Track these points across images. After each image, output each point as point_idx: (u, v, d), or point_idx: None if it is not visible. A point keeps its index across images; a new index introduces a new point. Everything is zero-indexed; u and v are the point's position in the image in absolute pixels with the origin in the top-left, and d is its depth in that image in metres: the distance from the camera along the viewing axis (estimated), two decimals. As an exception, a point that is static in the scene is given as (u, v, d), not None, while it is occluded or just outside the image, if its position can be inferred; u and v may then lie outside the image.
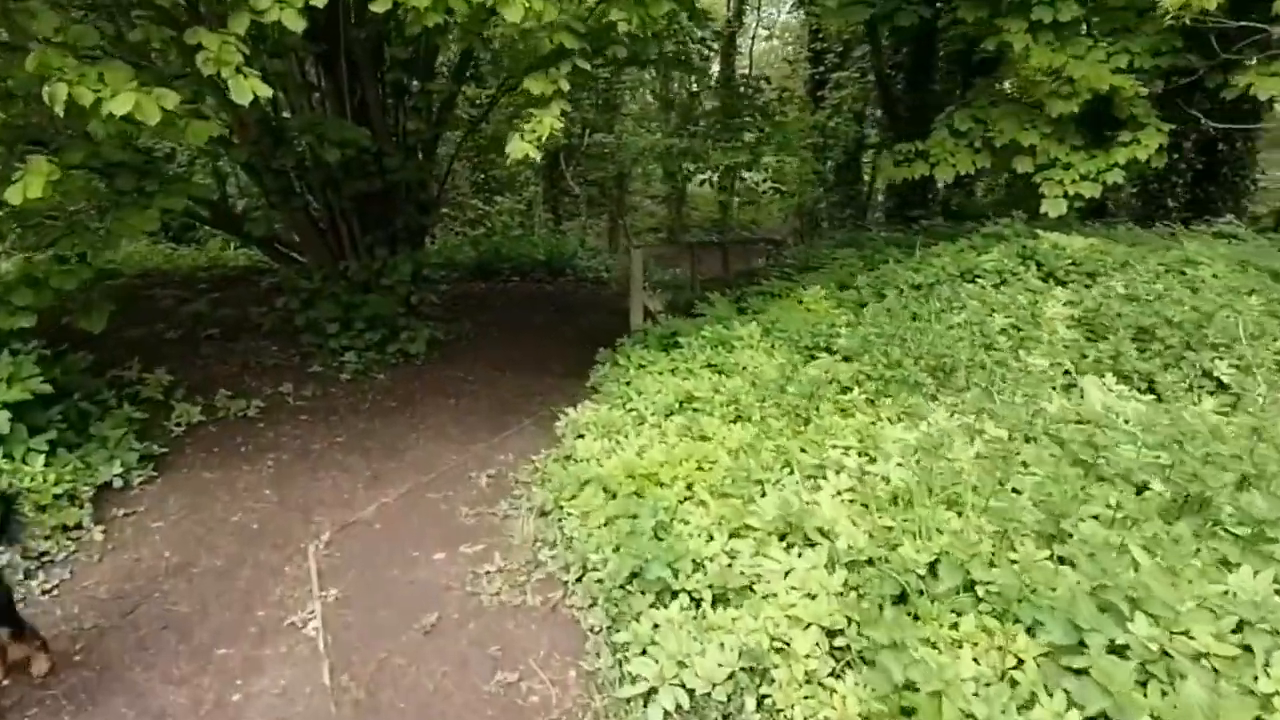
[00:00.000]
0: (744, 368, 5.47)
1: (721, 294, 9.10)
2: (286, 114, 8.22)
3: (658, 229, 27.77)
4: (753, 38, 28.01)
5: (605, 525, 3.58)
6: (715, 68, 28.47)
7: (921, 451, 3.65)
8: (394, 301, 7.79)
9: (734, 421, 4.50)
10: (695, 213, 30.94)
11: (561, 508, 4.03)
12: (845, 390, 4.80)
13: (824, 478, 3.50)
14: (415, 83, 7.53)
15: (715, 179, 8.92)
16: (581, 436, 4.87)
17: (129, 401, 5.67)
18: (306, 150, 7.32)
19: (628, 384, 5.66)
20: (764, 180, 8.53)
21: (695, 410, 4.81)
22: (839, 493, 3.36)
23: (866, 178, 22.01)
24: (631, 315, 7.87)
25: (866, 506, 3.21)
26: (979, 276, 6.62)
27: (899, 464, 3.56)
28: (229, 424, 5.90)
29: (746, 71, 28.16)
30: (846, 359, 5.42)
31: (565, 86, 4.21)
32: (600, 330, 9.93)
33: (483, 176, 19.06)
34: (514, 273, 13.42)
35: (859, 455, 3.74)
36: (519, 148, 4.26)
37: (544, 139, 4.27)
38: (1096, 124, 6.92)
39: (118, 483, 4.74)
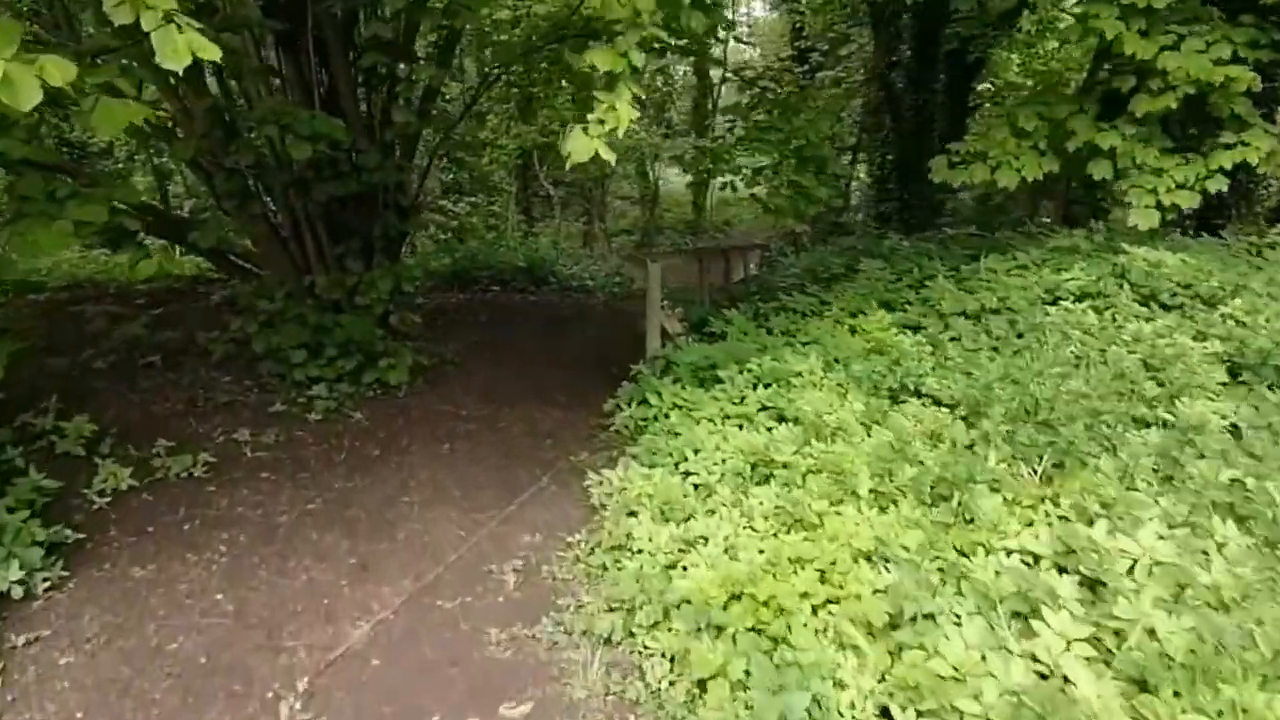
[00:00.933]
0: (818, 416, 4.42)
1: (734, 308, 8.08)
2: (242, 103, 6.94)
3: (630, 230, 26.67)
4: (727, 37, 27.07)
5: (719, 684, 2.49)
6: (683, 69, 27.52)
7: (1167, 572, 2.58)
8: (370, 323, 6.56)
9: (841, 502, 3.43)
10: (668, 214, 29.97)
11: (636, 637, 2.92)
12: (969, 449, 3.78)
13: (1036, 613, 2.45)
14: (402, 66, 6.30)
15: (738, 182, 7.83)
16: (634, 514, 3.77)
17: (38, 462, 4.40)
18: (267, 145, 6.06)
19: (674, 435, 4.56)
20: (783, 184, 7.47)
21: (780, 479, 3.74)
22: (1069, 643, 2.32)
23: (855, 180, 21.23)
24: (648, 338, 6.77)
25: (1143, 686, 2.16)
26: (1061, 298, 5.68)
27: (1158, 603, 2.45)
28: (169, 488, 4.64)
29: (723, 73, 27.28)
30: (945, 405, 4.41)
31: (638, 61, 3.09)
32: (600, 350, 8.82)
33: (452, 176, 17.72)
34: (493, 281, 12.21)
35: (1059, 570, 2.71)
36: (582, 147, 3.13)
37: (620, 133, 3.15)
38: (1182, 124, 6.04)
39: (16, 591, 3.47)
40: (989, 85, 20.64)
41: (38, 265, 10.16)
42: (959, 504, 3.23)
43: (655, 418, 5.21)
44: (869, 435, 4.09)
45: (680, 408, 5.17)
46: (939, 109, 13.25)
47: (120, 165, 14.37)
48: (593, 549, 3.74)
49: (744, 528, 3.38)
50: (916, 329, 5.96)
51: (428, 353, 7.53)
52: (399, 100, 6.75)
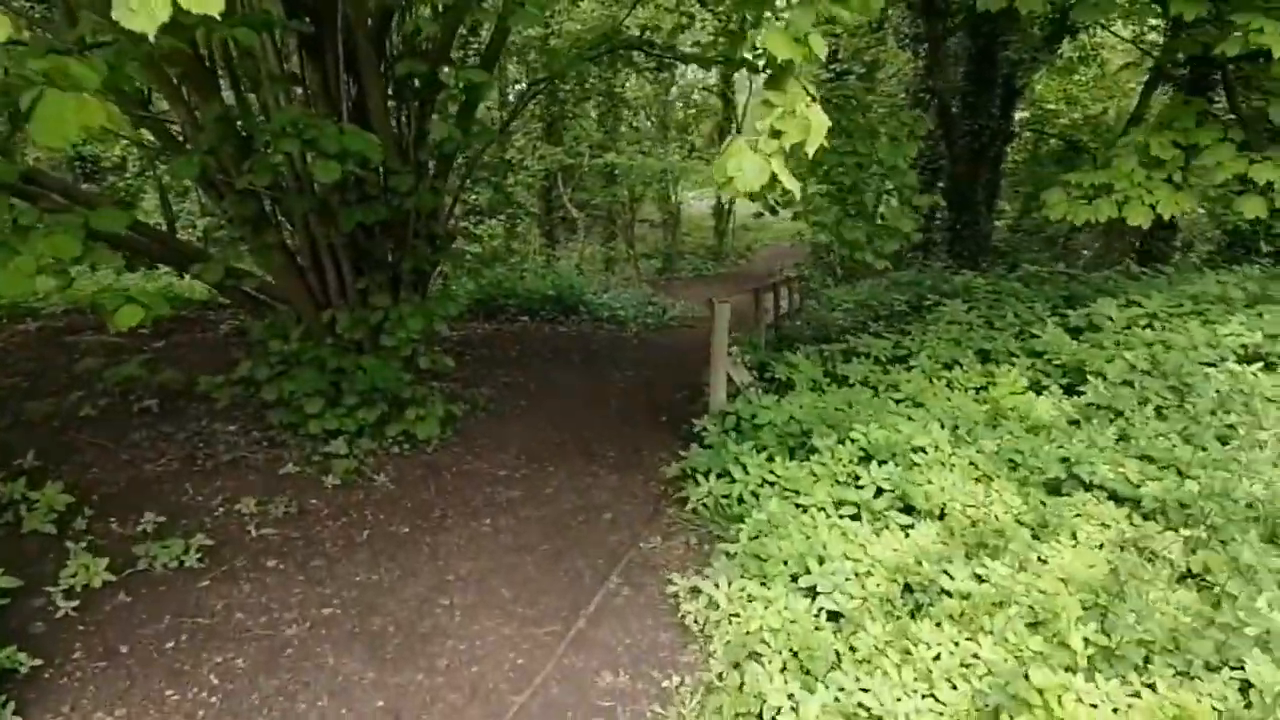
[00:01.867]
0: (964, 512, 3.48)
1: (794, 351, 7.18)
2: (261, 118, 6.10)
3: (651, 255, 25.84)
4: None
5: None
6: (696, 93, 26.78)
7: None
8: (397, 366, 5.67)
9: (1068, 670, 2.47)
10: (687, 238, 29.15)
11: None
12: (1212, 588, 2.82)
13: None
14: (446, 71, 5.42)
15: (779, 208, 6.84)
16: (756, 658, 2.82)
17: (1, 542, 3.50)
18: (286, 164, 5.20)
19: (780, 531, 3.61)
20: (863, 215, 6.54)
21: (951, 615, 2.79)
22: None
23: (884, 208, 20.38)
24: (712, 389, 5.84)
25: None
26: (1224, 358, 4.74)
27: None
28: (153, 585, 3.72)
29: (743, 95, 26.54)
30: (1130, 503, 3.46)
31: (821, 49, 2.19)
32: (645, 392, 7.90)
33: (476, 198, 16.92)
34: (520, 310, 11.34)
35: None
36: (752, 169, 2.19)
37: (811, 150, 2.23)
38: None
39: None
40: (1027, 113, 19.81)
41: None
42: (1241, 683, 2.28)
43: (742, 498, 4.28)
44: (1045, 544, 3.14)
45: (773, 485, 4.25)
46: (994, 134, 12.37)
47: (130, 181, 13.61)
48: (707, 714, 2.77)
49: (923, 695, 2.44)
50: (1040, 390, 5.02)
51: (459, 398, 6.63)
52: (436, 113, 5.89)
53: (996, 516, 3.40)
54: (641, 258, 25.64)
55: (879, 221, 6.25)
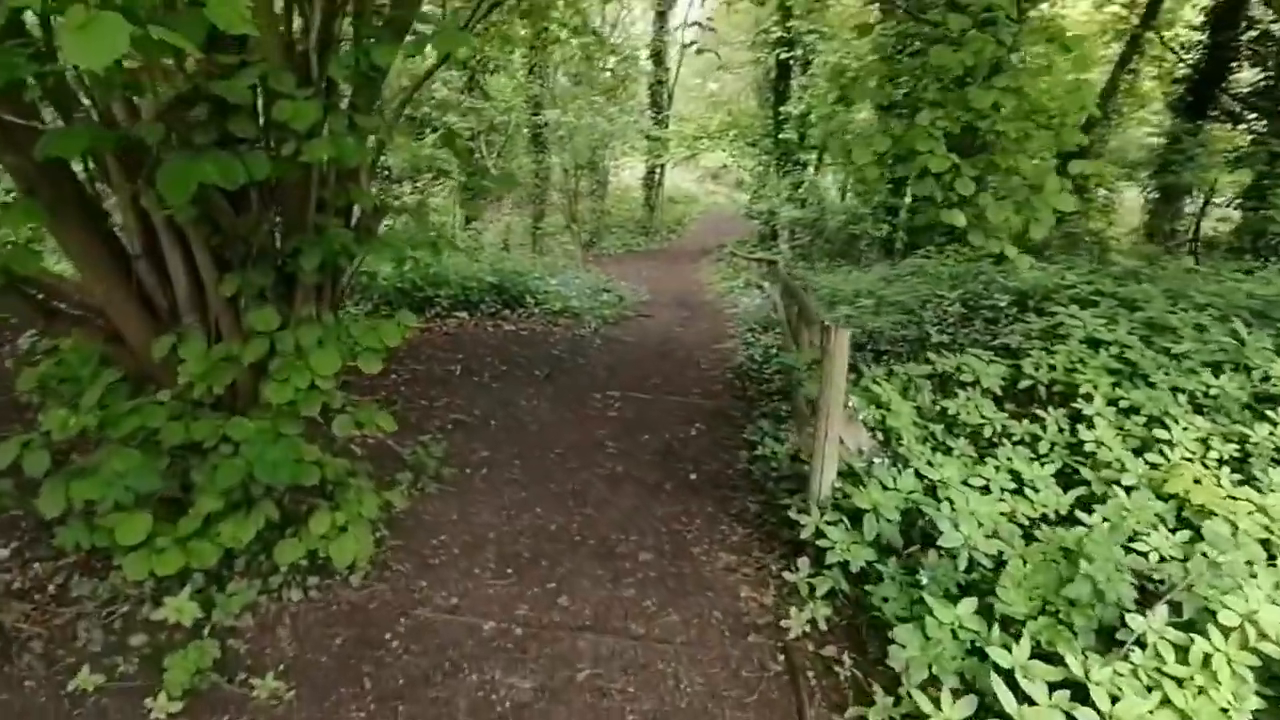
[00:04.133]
0: None
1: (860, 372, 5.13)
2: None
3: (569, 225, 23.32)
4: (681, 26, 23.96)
5: None
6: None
7: None
8: (294, 438, 3.19)
9: None
10: (613, 211, 26.71)
11: None
12: None
13: None
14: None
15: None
16: None
17: None
18: (85, 81, 2.62)
19: None
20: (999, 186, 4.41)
21: None
22: None
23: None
24: (815, 459, 3.61)
25: None
26: None
27: None
28: None
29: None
30: None
31: None
32: (650, 431, 5.57)
33: (386, 157, 13.94)
34: (455, 304, 8.80)
35: None
36: None
37: None
38: None
39: None
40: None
41: None
42: None
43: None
44: None
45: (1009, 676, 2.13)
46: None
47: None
48: None
49: None
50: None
51: (394, 466, 4.20)
52: (353, 12, 3.38)
53: None
54: (562, 230, 23.07)
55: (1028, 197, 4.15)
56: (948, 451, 4.04)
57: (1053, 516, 3.32)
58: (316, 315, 3.42)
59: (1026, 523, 3.22)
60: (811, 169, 17.35)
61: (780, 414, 5.28)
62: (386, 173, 15.01)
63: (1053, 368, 4.61)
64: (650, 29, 23.30)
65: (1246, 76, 12.09)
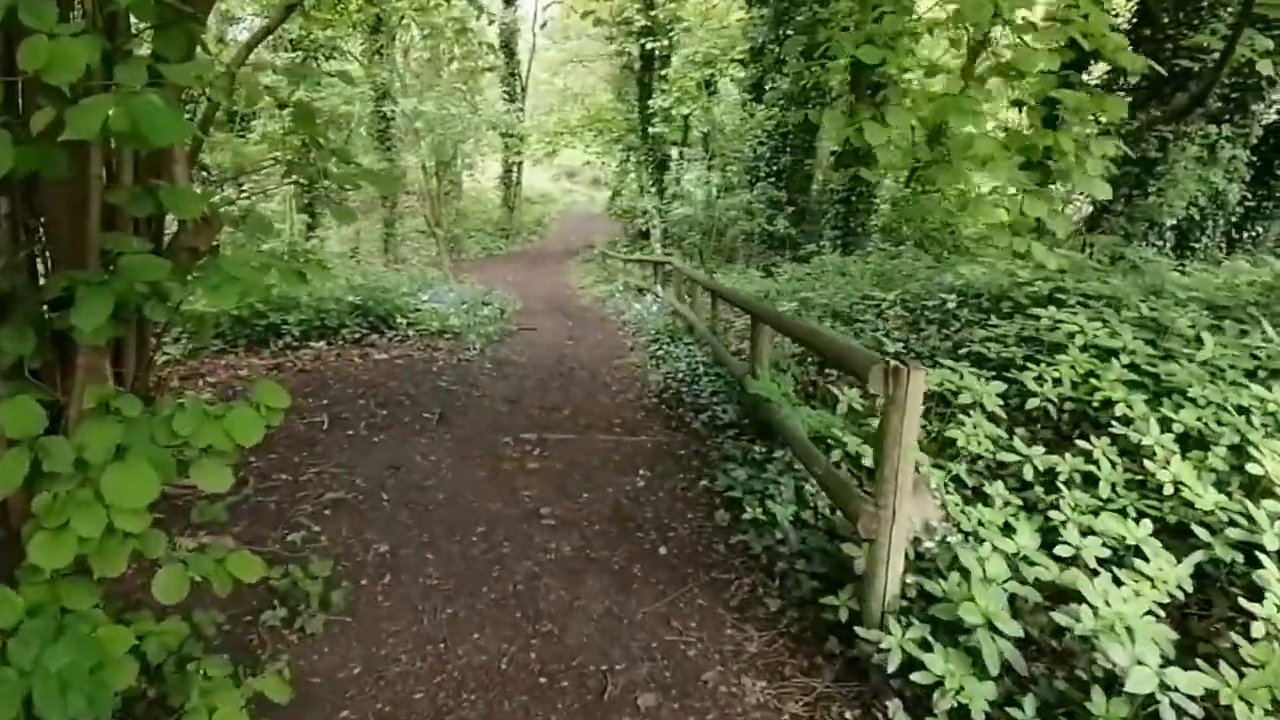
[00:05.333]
0: None
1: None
2: None
3: (424, 231, 21.47)
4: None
5: None
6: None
7: None
8: (91, 621, 1.83)
9: None
10: (468, 214, 24.96)
11: None
12: None
13: None
14: None
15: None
16: None
17: None
18: None
19: None
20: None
21: None
22: None
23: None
24: (878, 547, 2.64)
25: None
26: None
27: None
28: None
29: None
30: None
31: None
32: (591, 492, 4.16)
33: (207, 152, 11.65)
34: (310, 332, 7.17)
35: None
36: None
37: None
38: None
39: None
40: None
41: None
42: None
43: None
44: None
45: None
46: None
47: None
48: None
49: None
50: None
51: (262, 610, 2.83)
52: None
53: None
54: (415, 233, 21.22)
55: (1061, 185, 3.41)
56: (985, 501, 3.24)
57: (1180, 597, 2.56)
58: (108, 405, 2.02)
59: (1163, 615, 2.42)
60: (687, 164, 16.66)
61: (754, 457, 4.30)
62: (205, 173, 12.73)
63: (1059, 382, 3.94)
64: (499, 15, 21.81)
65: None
